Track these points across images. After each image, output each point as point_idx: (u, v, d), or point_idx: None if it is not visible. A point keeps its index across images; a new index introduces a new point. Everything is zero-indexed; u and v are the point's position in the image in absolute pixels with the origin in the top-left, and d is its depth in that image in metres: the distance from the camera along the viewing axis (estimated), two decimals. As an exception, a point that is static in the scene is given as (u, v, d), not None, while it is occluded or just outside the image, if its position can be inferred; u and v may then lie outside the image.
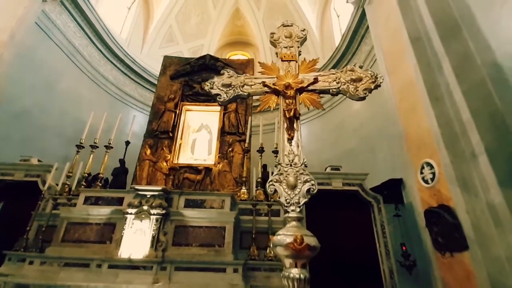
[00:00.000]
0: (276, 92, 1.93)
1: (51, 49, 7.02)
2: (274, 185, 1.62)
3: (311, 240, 1.39)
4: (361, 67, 1.99)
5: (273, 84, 1.94)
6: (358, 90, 1.88)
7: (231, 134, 5.85)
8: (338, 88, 1.93)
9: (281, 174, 1.63)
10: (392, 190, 5.30)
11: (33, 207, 4.05)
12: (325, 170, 5.03)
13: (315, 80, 1.90)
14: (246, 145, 5.05)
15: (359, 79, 1.90)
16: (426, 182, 3.68)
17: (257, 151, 4.65)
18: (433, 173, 3.56)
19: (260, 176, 4.61)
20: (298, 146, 1.73)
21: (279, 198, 1.60)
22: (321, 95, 1.97)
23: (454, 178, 3.15)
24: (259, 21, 11.86)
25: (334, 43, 9.56)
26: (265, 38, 11.62)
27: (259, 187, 4.48)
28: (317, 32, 10.68)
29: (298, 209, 1.54)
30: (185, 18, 11.62)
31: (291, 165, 1.65)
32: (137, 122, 8.39)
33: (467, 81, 3.35)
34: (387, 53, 5.13)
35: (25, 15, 5.41)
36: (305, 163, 1.66)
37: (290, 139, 1.75)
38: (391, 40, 4.92)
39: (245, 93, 2.01)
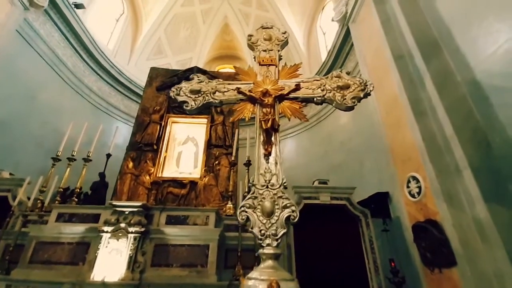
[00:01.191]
0: (252, 100, 1.71)
1: (33, 58, 6.79)
2: (246, 212, 1.35)
3: (290, 286, 1.14)
4: (348, 73, 1.80)
5: (249, 90, 1.72)
6: (345, 99, 1.68)
7: (218, 147, 5.73)
8: (323, 96, 1.72)
9: (255, 197, 1.38)
10: (379, 203, 5.28)
11: (1, 224, 3.73)
12: (313, 184, 4.97)
13: (297, 87, 1.71)
14: (233, 158, 4.94)
15: (347, 87, 1.70)
16: (412, 196, 3.67)
17: (244, 164, 4.54)
18: (419, 187, 3.56)
19: (246, 190, 4.48)
20: (276, 163, 1.47)
21: (251, 228, 1.33)
22: (304, 104, 1.77)
23: (440, 192, 3.15)
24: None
25: (320, 59, 9.81)
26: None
27: (245, 202, 4.34)
28: (304, 48, 10.97)
29: (275, 243, 1.28)
30: (174, 32, 11.68)
31: (267, 187, 1.40)
32: (121, 134, 8.16)
33: (449, 97, 3.44)
34: (372, 69, 5.27)
35: (5, 22, 5.23)
36: (285, 184, 1.41)
37: (267, 155, 1.50)
38: (375, 57, 5.07)
39: (216, 101, 1.77)
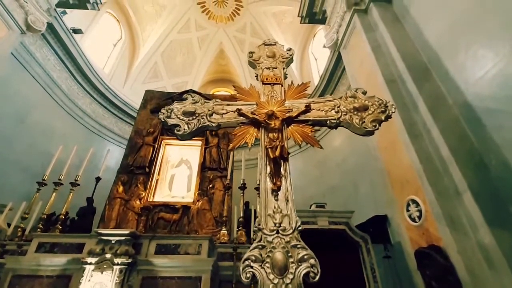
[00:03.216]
0: (255, 123, 1.47)
1: (26, 80, 6.76)
2: (252, 267, 1.03)
3: None
4: (364, 93, 1.58)
5: (252, 112, 1.50)
6: (364, 122, 1.45)
7: (212, 169, 5.60)
8: (338, 119, 1.48)
9: (263, 247, 1.06)
10: (378, 227, 5.14)
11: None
12: (310, 207, 4.83)
13: (307, 109, 1.48)
14: (227, 181, 4.81)
15: (364, 108, 1.48)
16: (413, 220, 3.56)
17: (239, 187, 4.41)
18: (420, 211, 3.47)
19: (242, 215, 4.30)
20: (287, 200, 1.17)
21: None
22: (316, 128, 1.54)
23: (441, 216, 3.06)
24: (242, 61, 12.45)
25: (313, 83, 10.08)
26: (248, 77, 12.10)
27: (240, 228, 4.14)
28: (297, 72, 11.31)
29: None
30: (170, 56, 11.97)
31: (277, 232, 1.09)
32: (114, 157, 7.97)
33: (442, 120, 3.48)
34: (364, 92, 5.38)
35: (0, 45, 5.24)
36: (299, 228, 1.11)
37: (276, 190, 1.21)
38: (367, 81, 5.20)
39: (213, 124, 1.53)
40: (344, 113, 1.49)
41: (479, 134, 3.21)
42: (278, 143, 1.31)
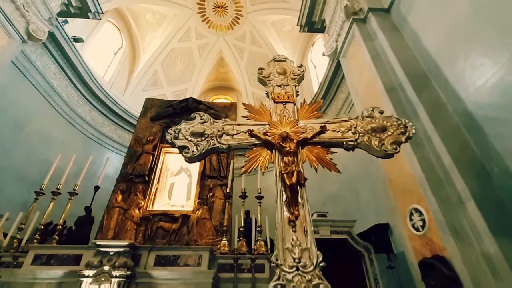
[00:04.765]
0: (268, 145, 1.36)
1: (26, 88, 6.77)
2: None
3: None
4: (381, 112, 1.45)
5: (264, 133, 1.40)
6: (384, 144, 1.35)
7: (212, 177, 5.57)
8: (356, 140, 1.39)
9: (283, 286, 0.94)
10: (380, 236, 5.07)
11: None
12: (311, 216, 4.77)
13: (323, 129, 1.37)
14: (228, 190, 4.76)
15: (383, 129, 1.39)
16: (416, 229, 3.51)
17: (240, 196, 4.36)
18: (423, 220, 3.42)
19: (242, 224, 4.24)
20: (306, 231, 1.07)
21: None
22: (331, 151, 1.40)
23: (445, 226, 3.01)
24: (242, 69, 12.55)
25: (312, 91, 10.13)
26: (248, 84, 12.16)
27: (241, 237, 4.08)
28: (296, 80, 11.37)
29: None
30: (171, 64, 12.05)
31: (297, 269, 0.97)
32: (113, 164, 7.93)
33: (443, 128, 3.47)
34: (364, 100, 5.40)
35: (1, 54, 5.25)
36: (321, 264, 0.99)
37: (293, 221, 1.11)
38: (366, 89, 5.22)
39: (223, 146, 1.43)
40: (362, 134, 1.39)
41: (480, 143, 3.20)
42: (294, 168, 1.18)
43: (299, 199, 1.15)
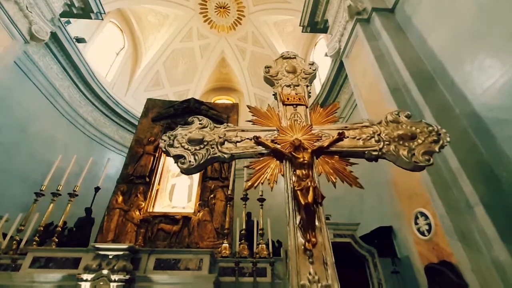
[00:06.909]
0: (278, 155, 1.15)
1: (29, 89, 6.77)
2: None
3: None
4: (408, 116, 1.24)
5: (273, 140, 1.19)
6: (414, 154, 1.15)
7: (214, 179, 5.51)
8: (381, 149, 1.19)
9: None
10: (383, 239, 4.98)
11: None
12: (314, 219, 4.70)
13: (341, 136, 1.16)
14: (229, 192, 4.70)
15: (412, 136, 1.21)
16: (422, 234, 3.42)
17: (241, 198, 4.29)
18: (429, 224, 3.33)
19: (244, 227, 4.18)
20: (326, 264, 0.88)
21: None
22: (351, 162, 1.19)
23: (452, 230, 2.93)
24: (244, 69, 12.51)
25: (314, 92, 10.06)
26: (250, 85, 12.11)
27: (242, 240, 4.01)
28: (299, 81, 11.31)
29: None
30: (173, 65, 12.04)
31: None
32: (114, 165, 7.90)
33: (449, 130, 3.35)
34: (368, 101, 5.32)
35: (4, 55, 5.24)
36: None
37: (309, 250, 0.91)
38: (370, 90, 5.14)
39: (225, 155, 1.21)
40: (387, 142, 1.19)
41: (488, 145, 3.11)
42: (309, 183, 0.99)
43: (316, 222, 0.95)
